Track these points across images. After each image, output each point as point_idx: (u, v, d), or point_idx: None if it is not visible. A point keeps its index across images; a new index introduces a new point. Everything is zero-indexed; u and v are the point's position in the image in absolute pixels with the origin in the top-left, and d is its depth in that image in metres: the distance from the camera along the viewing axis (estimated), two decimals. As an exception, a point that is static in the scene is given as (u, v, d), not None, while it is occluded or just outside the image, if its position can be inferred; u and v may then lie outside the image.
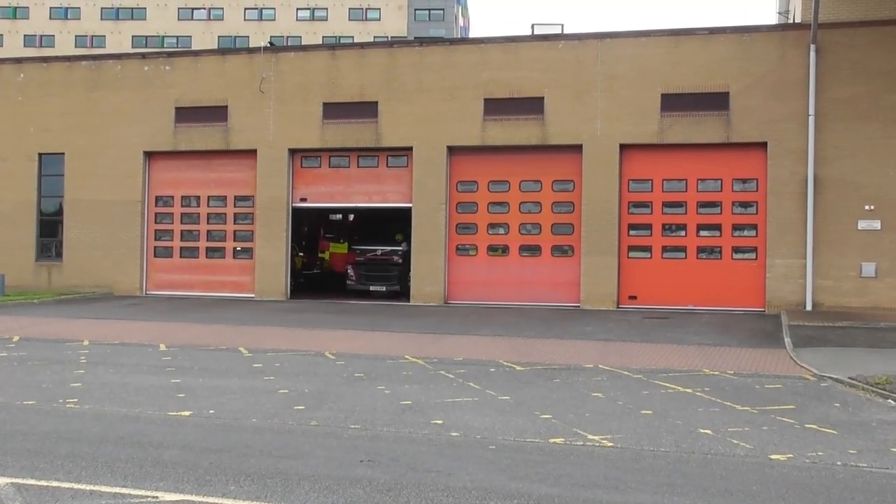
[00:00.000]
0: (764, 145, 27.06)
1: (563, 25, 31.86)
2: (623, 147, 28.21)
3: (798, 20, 30.65)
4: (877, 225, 26.03)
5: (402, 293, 30.76)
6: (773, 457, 9.81)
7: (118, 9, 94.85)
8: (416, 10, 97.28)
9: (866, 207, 26.13)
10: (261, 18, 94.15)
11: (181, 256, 32.62)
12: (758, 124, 27.03)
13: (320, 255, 39.67)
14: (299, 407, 12.36)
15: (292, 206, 31.37)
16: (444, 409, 12.35)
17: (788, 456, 9.82)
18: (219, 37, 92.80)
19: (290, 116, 30.95)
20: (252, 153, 31.39)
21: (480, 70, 29.39)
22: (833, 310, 25.65)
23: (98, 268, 32.43)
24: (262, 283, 31.06)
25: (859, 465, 9.49)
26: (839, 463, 9.55)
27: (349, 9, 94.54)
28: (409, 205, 29.94)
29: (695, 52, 27.84)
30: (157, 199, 32.83)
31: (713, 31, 28.01)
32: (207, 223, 32.45)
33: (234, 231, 32.15)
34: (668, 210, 28.15)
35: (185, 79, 32.26)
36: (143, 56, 34.17)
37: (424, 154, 29.65)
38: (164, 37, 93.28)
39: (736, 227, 27.67)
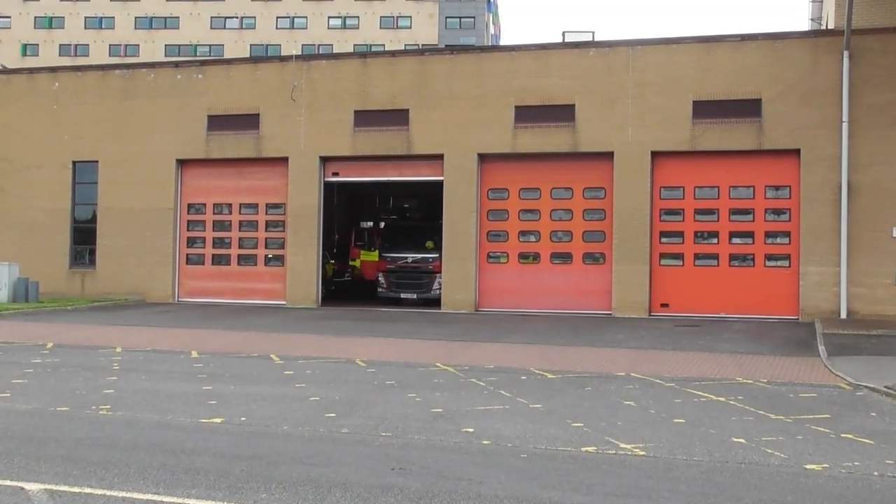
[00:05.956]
0: (797, 152, 26.84)
1: (593, 33, 31.72)
2: (654, 154, 28.09)
3: (831, 26, 30.42)
4: (912, 232, 25.78)
5: (433, 301, 30.75)
6: (808, 467, 9.69)
7: (151, 18, 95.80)
8: (447, 17, 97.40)
9: (902, 215, 25.87)
10: (292, 27, 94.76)
11: (213, 264, 32.82)
12: (790, 131, 26.81)
13: (351, 262, 39.78)
14: (330, 414, 12.36)
15: (325, 181, 31.53)
16: (476, 417, 12.31)
17: (824, 466, 9.69)
18: (251, 45, 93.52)
19: (322, 124, 31.05)
20: (284, 161, 31.53)
21: (511, 78, 29.36)
22: (868, 318, 25.37)
23: (131, 275, 32.67)
24: (294, 290, 31.15)
25: (896, 476, 9.36)
26: (876, 473, 9.41)
27: (380, 17, 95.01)
28: (441, 178, 29.99)
29: (726, 58, 27.66)
30: (189, 206, 33.05)
31: (745, 38, 27.81)
32: (239, 230, 32.62)
33: (266, 238, 32.30)
34: (700, 217, 27.97)
35: (217, 87, 32.47)
36: (176, 65, 34.45)
37: (455, 162, 29.66)
38: (196, 46, 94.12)
39: (769, 235, 27.45)
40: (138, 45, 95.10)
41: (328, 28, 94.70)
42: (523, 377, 16.10)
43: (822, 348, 19.40)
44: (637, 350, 20.00)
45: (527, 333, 23.09)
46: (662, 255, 28.21)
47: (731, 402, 13.56)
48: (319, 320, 26.53)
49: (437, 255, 31.16)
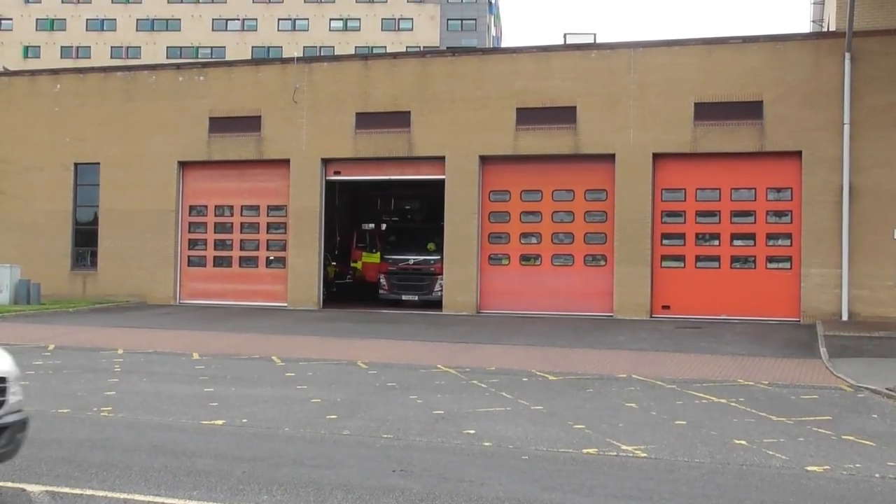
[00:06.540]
0: (798, 154, 26.83)
1: (595, 35, 31.67)
2: (656, 156, 28.07)
3: (832, 28, 30.40)
4: (914, 234, 25.77)
5: (435, 303, 30.73)
6: (809, 468, 9.69)
7: (153, 20, 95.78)
8: (448, 20, 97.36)
9: (903, 216, 25.85)
10: (294, 29, 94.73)
11: (214, 266, 32.81)
12: (792, 133, 26.80)
13: (352, 264, 39.77)
14: (332, 416, 12.37)
15: (326, 179, 31.54)
16: (477, 418, 12.31)
17: (825, 467, 9.70)
18: (252, 47, 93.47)
19: (323, 126, 31.05)
20: (285, 163, 31.52)
21: (513, 79, 29.35)
22: (869, 320, 25.35)
23: (132, 277, 32.66)
24: (295, 292, 31.14)
25: (898, 478, 9.35)
26: (877, 475, 9.41)
27: (382, 19, 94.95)
28: (443, 177, 29.98)
29: (728, 60, 27.65)
30: (191, 208, 33.05)
31: (746, 40, 27.82)
32: (241, 232, 32.62)
33: (267, 240, 32.29)
34: (702, 219, 27.95)
35: (218, 89, 32.47)
36: (178, 67, 34.49)
37: (457, 163, 29.65)
38: (198, 48, 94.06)
39: (770, 237, 27.44)
40: (140, 47, 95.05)
41: (329, 30, 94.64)
42: (525, 379, 16.11)
43: (823, 350, 19.39)
44: (638, 352, 20.00)
45: (528, 335, 23.08)
46: (664, 257, 28.20)
47: (733, 404, 13.56)
48: (321, 322, 26.53)
49: (438, 257, 31.15)
